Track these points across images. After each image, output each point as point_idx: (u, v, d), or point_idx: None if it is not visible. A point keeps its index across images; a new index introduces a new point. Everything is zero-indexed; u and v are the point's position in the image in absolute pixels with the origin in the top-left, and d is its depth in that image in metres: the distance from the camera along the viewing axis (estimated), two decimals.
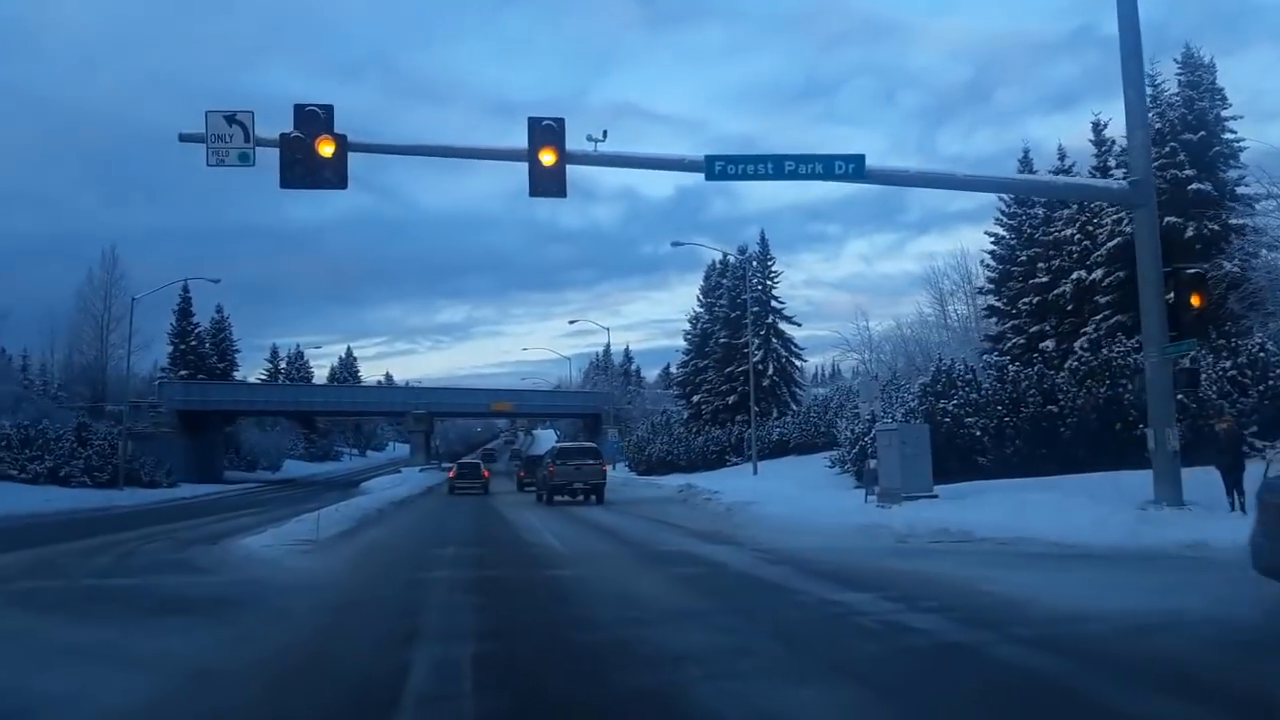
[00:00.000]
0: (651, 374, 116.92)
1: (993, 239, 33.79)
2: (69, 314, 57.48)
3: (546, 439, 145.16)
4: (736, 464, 48.70)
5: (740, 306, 54.63)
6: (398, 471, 59.76)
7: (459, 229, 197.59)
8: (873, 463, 18.85)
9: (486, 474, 43.94)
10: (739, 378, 53.38)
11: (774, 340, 54.37)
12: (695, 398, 56.09)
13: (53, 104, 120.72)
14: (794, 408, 52.32)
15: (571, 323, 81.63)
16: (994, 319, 33.31)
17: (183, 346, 73.03)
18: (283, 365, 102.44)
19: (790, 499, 22.04)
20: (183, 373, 68.94)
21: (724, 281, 57.27)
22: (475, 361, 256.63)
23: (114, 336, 63.47)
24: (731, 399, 52.99)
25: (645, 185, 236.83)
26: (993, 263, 33.34)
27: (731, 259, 55.92)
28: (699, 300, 60.90)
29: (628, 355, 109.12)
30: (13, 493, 34.85)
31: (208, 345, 75.83)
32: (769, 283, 54.94)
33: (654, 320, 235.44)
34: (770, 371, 53.43)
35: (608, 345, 66.91)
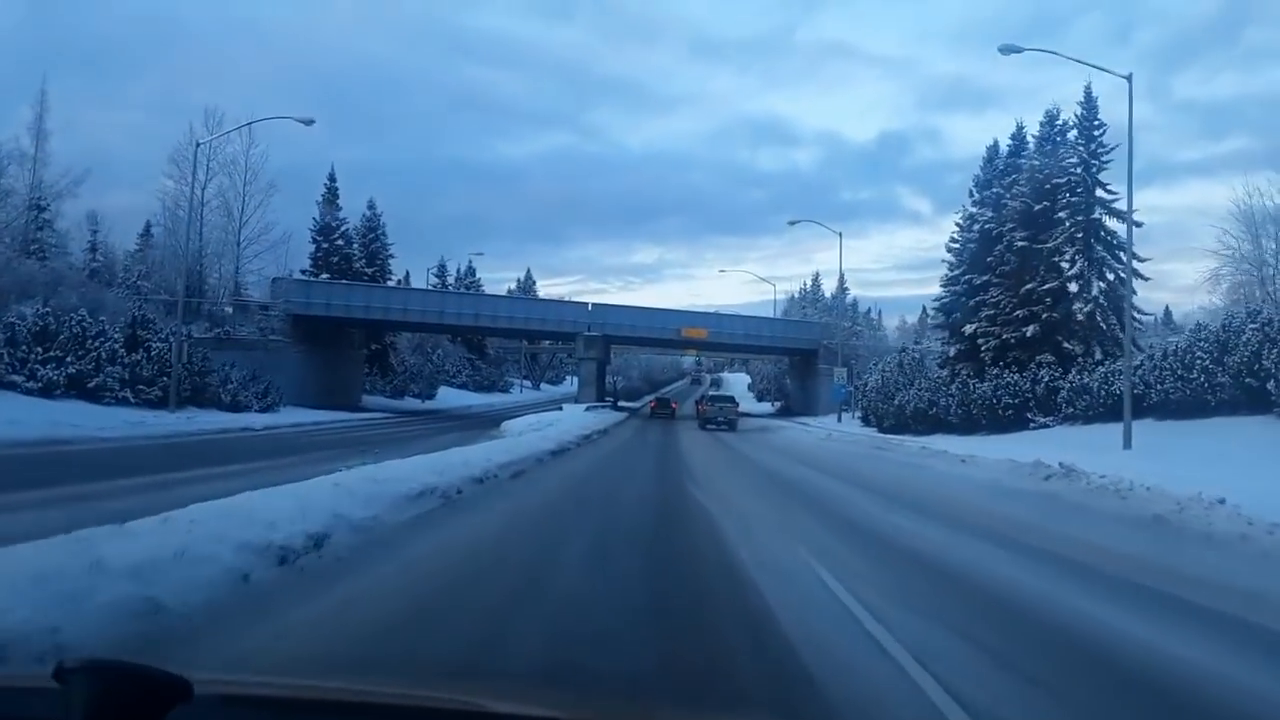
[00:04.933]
0: None
1: None
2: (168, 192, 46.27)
3: (738, 384, 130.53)
4: (1047, 426, 32.26)
5: (1049, 195, 37.55)
6: (558, 409, 46.47)
7: (657, 169, 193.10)
8: None
9: (675, 405, 61.76)
10: (1043, 299, 36.52)
11: (1098, 247, 37.06)
12: (968, 328, 39.58)
13: (282, 42, 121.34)
14: (1135, 350, 35.19)
15: (792, 223, 63.79)
16: None
17: (325, 245, 61.99)
18: (450, 284, 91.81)
19: None
20: (324, 276, 58.01)
21: (1022, 161, 40.12)
22: (665, 303, 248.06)
23: (246, 232, 53.13)
24: (1030, 330, 36.24)
25: (847, 128, 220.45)
26: None
27: (1050, 114, 38.73)
28: (971, 195, 43.97)
29: (842, 284, 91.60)
30: None
31: (355, 247, 64.72)
32: (1095, 162, 37.43)
33: (849, 269, 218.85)
34: (1093, 293, 36.28)
35: (840, 260, 49.90)
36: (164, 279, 43.92)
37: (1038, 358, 35.26)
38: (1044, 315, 36.07)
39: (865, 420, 43.82)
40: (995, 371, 35.32)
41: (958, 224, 44.60)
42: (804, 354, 61.76)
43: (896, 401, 38.87)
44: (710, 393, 68.81)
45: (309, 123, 32.02)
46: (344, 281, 51.46)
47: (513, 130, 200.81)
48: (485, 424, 37.31)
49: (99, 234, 47.79)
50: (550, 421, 30.40)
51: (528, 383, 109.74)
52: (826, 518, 12.15)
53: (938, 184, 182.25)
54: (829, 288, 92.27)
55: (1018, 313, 36.78)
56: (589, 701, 2.23)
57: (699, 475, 17.20)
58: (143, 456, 18.25)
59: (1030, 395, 33.18)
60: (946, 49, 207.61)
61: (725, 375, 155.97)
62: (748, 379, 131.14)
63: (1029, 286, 36.72)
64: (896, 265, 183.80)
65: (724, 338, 58.81)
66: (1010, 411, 33.25)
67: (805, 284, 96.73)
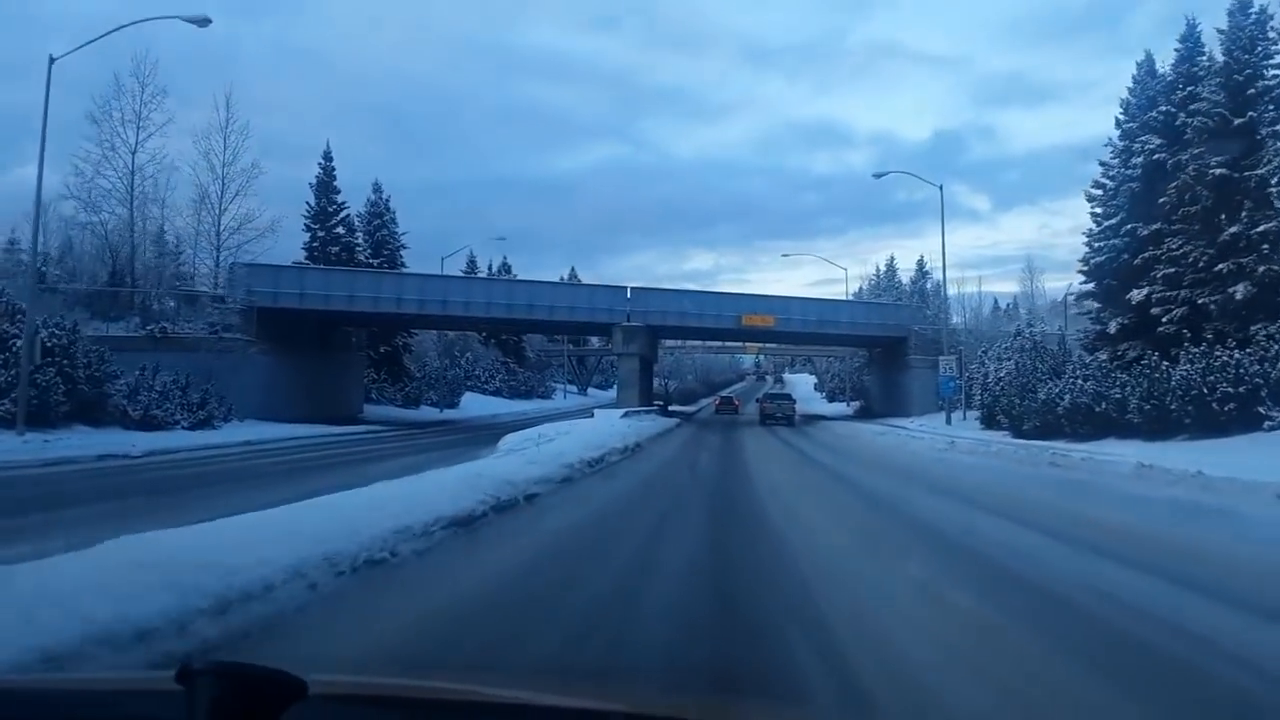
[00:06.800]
0: None
1: None
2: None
3: (802, 385, 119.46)
4: None
5: (1250, 104, 26.97)
6: (589, 416, 36.88)
7: (709, 177, 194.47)
8: None
9: (738, 403, 67.74)
10: (1256, 247, 25.87)
11: None
12: (1136, 294, 28.92)
13: (337, 63, 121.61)
14: None
15: (878, 176, 50.68)
16: None
17: (321, 234, 53.03)
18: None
19: None
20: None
21: (1199, 68, 29.46)
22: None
23: (228, 218, 44.13)
24: (1239, 290, 25.56)
25: (901, 128, 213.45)
26: None
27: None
28: (1118, 124, 33.26)
29: (922, 269, 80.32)
30: None
31: (359, 236, 55.76)
32: None
33: (907, 268, 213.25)
34: None
35: (941, 218, 39.11)
36: (83, 267, 35.11)
37: (1252, 328, 24.66)
38: (1258, 269, 25.37)
39: (988, 422, 33.33)
40: (1196, 350, 24.64)
41: (1102, 164, 33.96)
42: (889, 344, 51.21)
43: (1042, 396, 28.32)
44: (769, 391, 73.21)
45: (203, 23, 22.59)
46: (318, 267, 42.17)
47: (564, 143, 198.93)
48: (493, 438, 27.72)
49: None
50: (551, 436, 20.65)
51: (573, 387, 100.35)
52: None
53: (994, 181, 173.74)
54: (905, 274, 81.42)
55: (1220, 267, 26.12)
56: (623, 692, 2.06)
57: (805, 562, 7.39)
58: None
59: (1261, 380, 22.56)
60: (1000, 44, 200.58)
61: (787, 376, 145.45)
62: (813, 379, 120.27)
63: (1232, 231, 26.05)
64: (957, 264, 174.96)
65: (793, 326, 48.46)
66: (1232, 405, 22.65)
67: (878, 269, 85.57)
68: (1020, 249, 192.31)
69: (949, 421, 36.54)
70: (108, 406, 26.30)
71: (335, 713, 1.26)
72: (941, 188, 38.57)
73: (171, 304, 35.43)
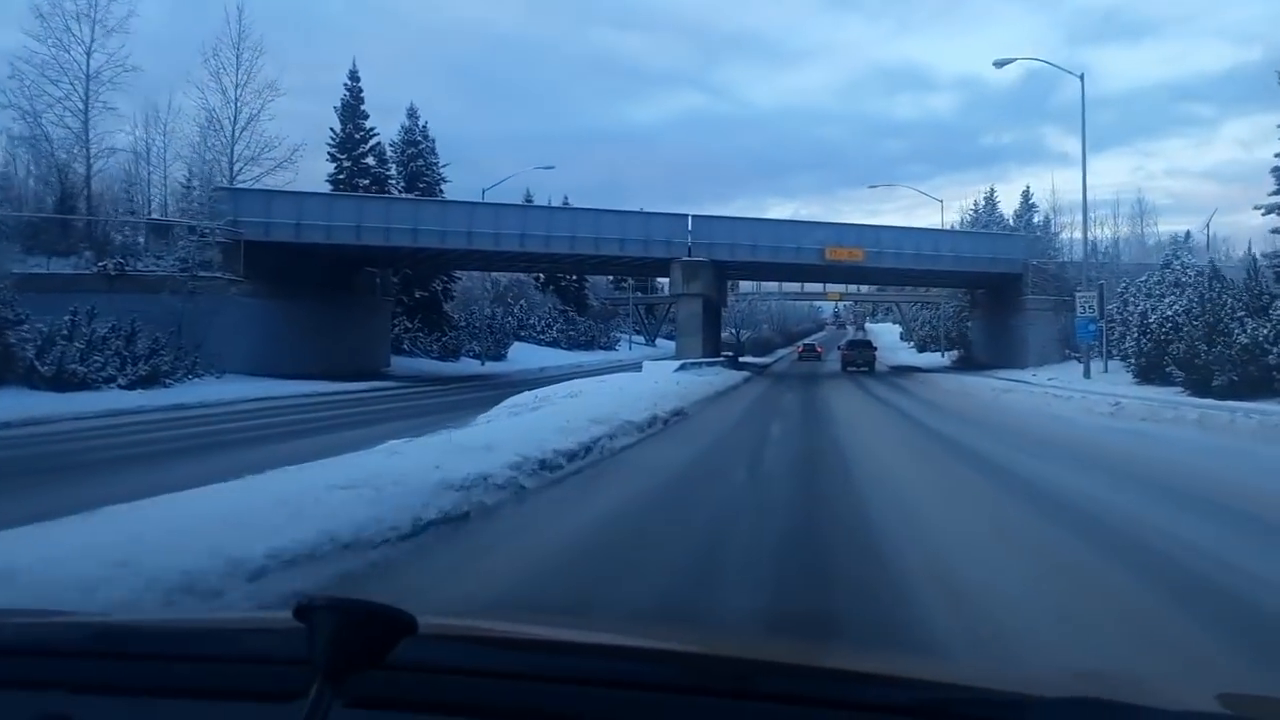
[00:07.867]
0: None
1: None
2: None
3: (886, 335, 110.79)
4: None
5: None
6: (638, 369, 30.45)
7: (789, 125, 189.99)
8: None
9: (820, 350, 70.99)
10: None
11: None
12: None
13: (413, 23, 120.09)
14: None
15: (1000, 64, 39.84)
16: None
17: (348, 164, 47.17)
18: None
19: None
20: None
21: None
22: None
23: (241, 146, 38.30)
24: None
25: (988, 70, 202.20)
26: None
27: None
28: None
29: (1028, 203, 71.03)
30: None
31: (391, 168, 49.73)
32: None
33: (1009, 212, 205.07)
34: None
35: (1082, 122, 31.22)
36: (27, 192, 29.51)
37: None
38: None
39: (1144, 375, 25.84)
40: None
41: None
42: (998, 282, 43.34)
43: (1244, 341, 20.73)
44: (850, 339, 73.20)
45: None
46: (318, 193, 35.90)
47: (641, 94, 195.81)
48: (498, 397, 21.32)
49: None
50: (535, 403, 14.13)
51: (640, 338, 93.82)
52: None
53: (1088, 122, 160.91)
54: (1007, 209, 72.37)
55: None
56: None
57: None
58: None
59: None
60: None
61: (869, 325, 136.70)
62: (898, 329, 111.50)
63: None
64: (1053, 208, 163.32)
65: (885, 261, 40.95)
66: None
67: (977, 203, 76.28)
68: (1113, 193, 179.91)
69: (1088, 374, 29.05)
70: (13, 360, 20.68)
71: (442, 649, 1.28)
72: (1083, 77, 30.61)
73: (140, 238, 29.74)
